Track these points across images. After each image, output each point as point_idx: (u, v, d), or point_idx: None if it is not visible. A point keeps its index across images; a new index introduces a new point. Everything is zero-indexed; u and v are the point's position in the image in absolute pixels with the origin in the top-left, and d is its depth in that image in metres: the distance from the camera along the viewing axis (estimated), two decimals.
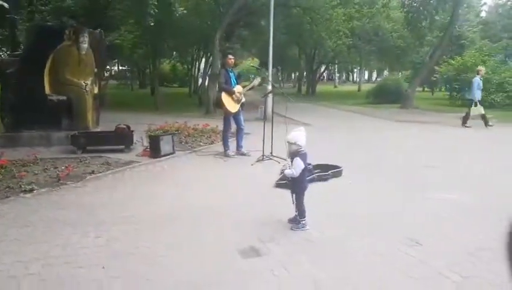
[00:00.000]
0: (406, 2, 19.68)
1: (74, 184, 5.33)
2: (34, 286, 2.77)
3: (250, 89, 7.52)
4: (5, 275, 2.91)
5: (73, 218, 4.08)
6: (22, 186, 5.05)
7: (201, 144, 8.36)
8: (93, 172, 5.88)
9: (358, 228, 3.84)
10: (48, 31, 7.66)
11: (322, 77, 43.61)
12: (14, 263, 3.08)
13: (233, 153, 7.33)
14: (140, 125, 9.88)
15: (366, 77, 58.95)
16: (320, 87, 38.42)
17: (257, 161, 6.75)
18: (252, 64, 11.15)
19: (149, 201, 4.68)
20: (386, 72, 31.38)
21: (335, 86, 47.22)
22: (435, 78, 23.47)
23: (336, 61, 37.20)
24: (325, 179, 5.74)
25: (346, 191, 5.14)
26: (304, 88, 33.48)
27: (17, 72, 7.46)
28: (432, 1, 18.85)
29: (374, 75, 59.58)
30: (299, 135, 3.65)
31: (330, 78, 57.44)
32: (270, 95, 11.84)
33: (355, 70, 50.09)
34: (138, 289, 2.77)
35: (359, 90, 33.38)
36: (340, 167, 6.06)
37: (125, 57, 28.32)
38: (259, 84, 7.72)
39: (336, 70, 50.33)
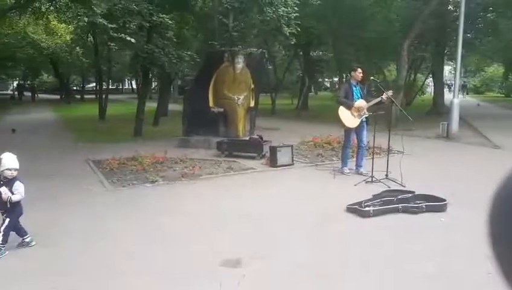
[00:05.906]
0: None
1: (187, 181, 6.51)
2: None
3: (375, 104, 6.89)
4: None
5: (150, 206, 5.18)
6: (156, 178, 6.57)
7: (334, 158, 8.25)
8: (211, 173, 6.94)
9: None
10: (214, 55, 9.34)
11: None
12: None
13: (348, 171, 6.96)
14: (299, 136, 10.48)
15: None
16: None
17: (365, 182, 6.25)
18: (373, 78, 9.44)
19: (214, 202, 5.31)
20: None
21: None
22: None
23: None
24: (415, 212, 4.86)
25: (412, 232, 4.27)
26: None
27: (193, 89, 9.49)
28: None
29: None
30: (8, 160, 3.58)
31: None
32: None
33: None
34: None
35: None
36: (444, 201, 4.97)
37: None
38: (388, 100, 6.88)
39: None
